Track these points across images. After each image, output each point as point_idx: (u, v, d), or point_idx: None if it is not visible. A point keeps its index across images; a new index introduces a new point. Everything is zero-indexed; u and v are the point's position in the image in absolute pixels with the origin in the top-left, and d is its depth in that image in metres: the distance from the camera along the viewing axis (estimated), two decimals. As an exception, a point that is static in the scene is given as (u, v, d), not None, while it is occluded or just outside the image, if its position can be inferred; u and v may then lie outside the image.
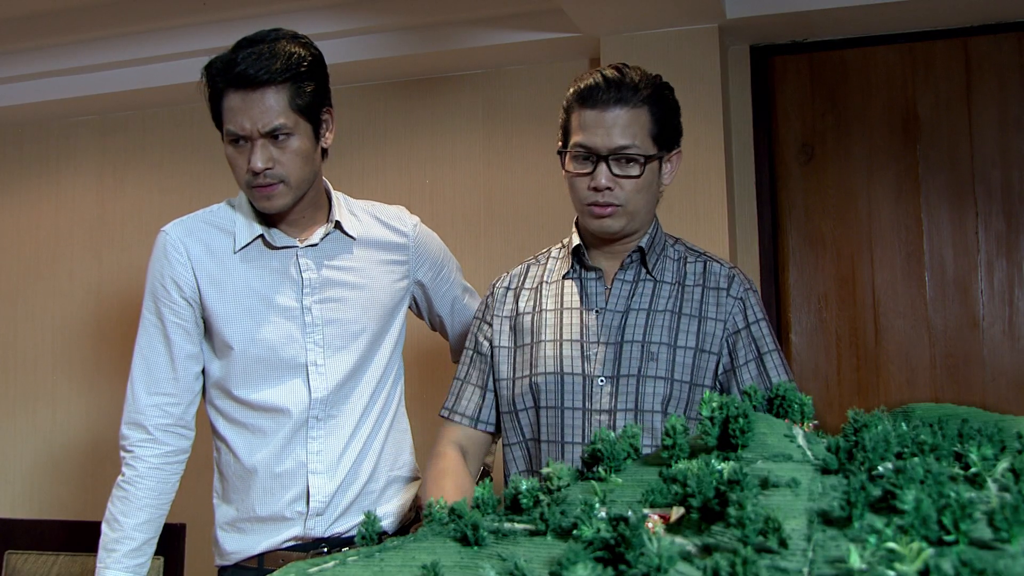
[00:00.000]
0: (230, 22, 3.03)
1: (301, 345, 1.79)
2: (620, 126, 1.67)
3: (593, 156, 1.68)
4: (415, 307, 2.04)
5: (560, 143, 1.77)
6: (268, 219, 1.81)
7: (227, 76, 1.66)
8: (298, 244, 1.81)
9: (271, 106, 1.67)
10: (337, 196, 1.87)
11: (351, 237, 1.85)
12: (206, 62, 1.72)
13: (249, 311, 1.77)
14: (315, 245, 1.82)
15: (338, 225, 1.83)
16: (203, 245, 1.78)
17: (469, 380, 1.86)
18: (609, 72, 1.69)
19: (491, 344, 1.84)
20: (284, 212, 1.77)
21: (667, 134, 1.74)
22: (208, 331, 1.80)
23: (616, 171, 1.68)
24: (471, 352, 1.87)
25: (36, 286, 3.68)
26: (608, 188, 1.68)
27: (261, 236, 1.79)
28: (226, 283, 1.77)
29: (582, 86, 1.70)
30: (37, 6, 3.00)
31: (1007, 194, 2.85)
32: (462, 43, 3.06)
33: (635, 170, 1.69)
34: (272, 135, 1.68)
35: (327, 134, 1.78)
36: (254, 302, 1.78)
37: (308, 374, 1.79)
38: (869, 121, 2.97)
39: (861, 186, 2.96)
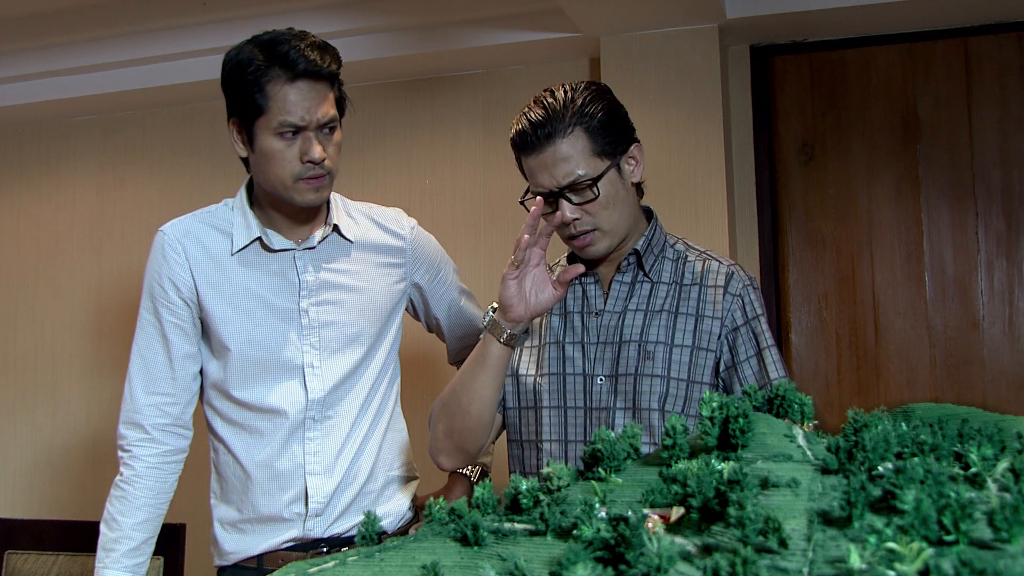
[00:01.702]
0: (230, 22, 3.03)
1: (298, 347, 1.79)
2: (559, 160, 1.67)
3: (550, 196, 1.70)
4: (412, 309, 2.04)
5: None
6: (267, 221, 1.81)
7: (291, 69, 1.65)
8: (296, 247, 1.81)
9: (327, 98, 1.70)
10: (335, 198, 1.87)
11: (348, 240, 1.85)
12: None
13: (246, 313, 1.77)
14: (313, 248, 1.82)
15: (336, 228, 1.83)
16: (201, 246, 1.78)
17: None
18: (533, 114, 1.69)
19: None
20: (308, 210, 1.78)
21: (611, 142, 1.71)
22: (206, 332, 1.80)
23: (576, 200, 1.69)
24: None
25: (36, 286, 3.68)
26: (576, 219, 1.70)
27: (259, 238, 1.79)
28: (224, 285, 1.77)
29: (513, 134, 1.72)
30: (37, 6, 3.00)
31: (1007, 194, 2.85)
32: (462, 43, 3.06)
33: (590, 194, 1.69)
34: (325, 127, 1.70)
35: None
36: (251, 304, 1.78)
37: (305, 376, 1.79)
38: (869, 121, 2.97)
39: (861, 186, 2.96)
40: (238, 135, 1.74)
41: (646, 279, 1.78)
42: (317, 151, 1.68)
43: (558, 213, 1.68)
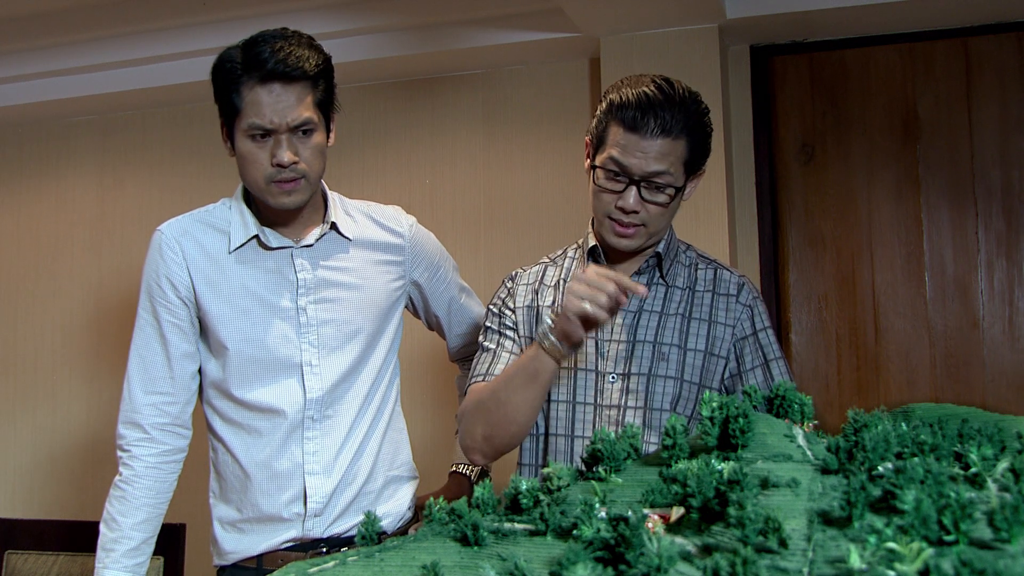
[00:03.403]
0: (230, 22, 3.03)
1: (296, 346, 1.79)
2: (657, 154, 1.65)
3: (626, 177, 1.68)
4: (412, 307, 2.03)
5: (589, 146, 1.76)
6: (265, 219, 1.81)
7: (260, 69, 1.64)
8: (293, 245, 1.81)
9: (302, 100, 1.68)
10: (333, 196, 1.87)
11: (347, 238, 1.85)
12: (214, 59, 1.72)
13: (244, 311, 1.77)
14: (310, 246, 1.81)
15: (334, 226, 1.83)
16: (198, 245, 1.78)
17: (504, 348, 1.83)
18: (654, 94, 1.65)
19: (516, 329, 1.83)
20: (293, 211, 1.77)
21: (698, 161, 1.73)
22: (204, 331, 1.80)
23: (646, 196, 1.68)
24: (496, 328, 1.85)
25: (36, 286, 3.68)
26: (635, 211, 1.69)
27: (256, 236, 1.79)
28: (221, 283, 1.77)
29: (626, 102, 1.66)
30: (37, 6, 3.00)
31: (1007, 194, 2.85)
32: (462, 43, 3.06)
33: (664, 198, 1.69)
34: (298, 130, 1.69)
35: (331, 134, 1.79)
36: (249, 302, 1.78)
37: (303, 374, 1.79)
38: (869, 121, 2.97)
39: (861, 186, 2.96)
40: (224, 135, 1.75)
41: (662, 282, 1.79)
42: (286, 155, 1.67)
43: (620, 196, 1.68)
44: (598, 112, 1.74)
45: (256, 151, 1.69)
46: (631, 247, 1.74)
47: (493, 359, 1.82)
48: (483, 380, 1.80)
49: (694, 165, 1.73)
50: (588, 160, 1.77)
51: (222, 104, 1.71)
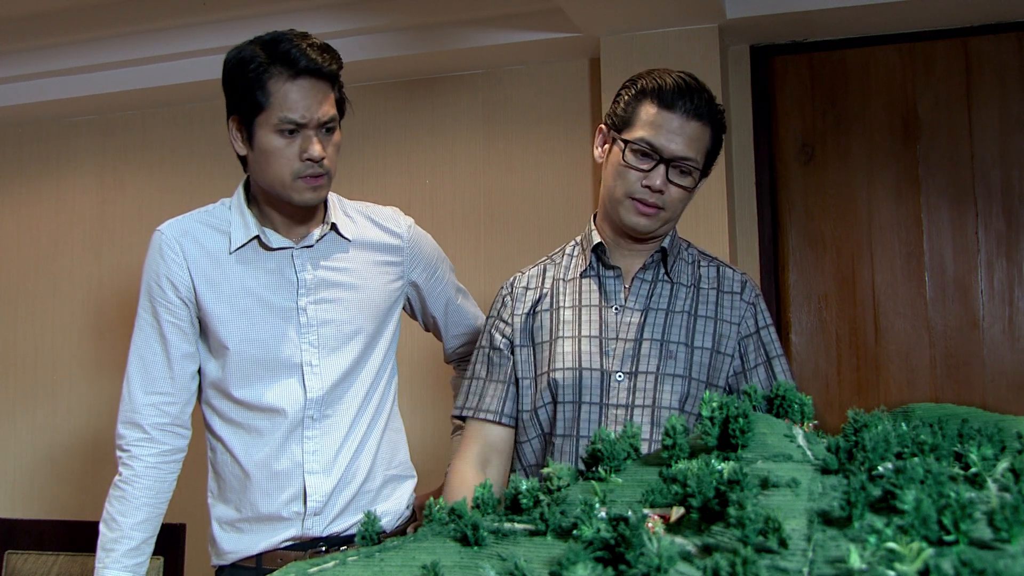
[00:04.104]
0: (230, 22, 3.03)
1: (296, 345, 1.79)
2: (690, 137, 1.71)
3: (656, 156, 1.71)
4: (409, 308, 2.03)
5: (605, 132, 1.79)
6: (265, 220, 1.81)
7: (292, 66, 1.66)
8: (294, 245, 1.81)
9: (329, 97, 1.71)
10: (332, 197, 1.87)
11: (346, 239, 1.85)
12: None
13: (244, 311, 1.77)
14: (311, 246, 1.82)
15: (333, 227, 1.84)
16: (198, 245, 1.78)
17: (492, 378, 1.84)
18: (688, 80, 1.73)
19: (511, 343, 1.84)
20: (303, 210, 1.77)
21: (714, 155, 1.79)
22: (204, 331, 1.80)
23: (672, 177, 1.72)
24: (487, 350, 1.87)
25: (36, 286, 3.68)
26: (660, 191, 1.72)
27: (257, 237, 1.79)
28: (221, 283, 1.77)
29: (661, 84, 1.73)
30: (37, 6, 2.99)
31: (1007, 194, 2.85)
32: (462, 43, 3.06)
33: (689, 182, 1.74)
34: (323, 127, 1.71)
35: None
36: (249, 303, 1.78)
37: (303, 374, 1.79)
38: (869, 121, 2.97)
39: (861, 186, 2.96)
40: (238, 132, 1.75)
41: (667, 279, 1.80)
42: (317, 149, 1.69)
43: (647, 176, 1.71)
44: (624, 96, 1.77)
45: (284, 147, 1.69)
46: (649, 228, 1.75)
47: (482, 392, 1.84)
48: (472, 414, 1.82)
49: (711, 157, 1.78)
50: (604, 146, 1.80)
51: (242, 101, 1.70)
